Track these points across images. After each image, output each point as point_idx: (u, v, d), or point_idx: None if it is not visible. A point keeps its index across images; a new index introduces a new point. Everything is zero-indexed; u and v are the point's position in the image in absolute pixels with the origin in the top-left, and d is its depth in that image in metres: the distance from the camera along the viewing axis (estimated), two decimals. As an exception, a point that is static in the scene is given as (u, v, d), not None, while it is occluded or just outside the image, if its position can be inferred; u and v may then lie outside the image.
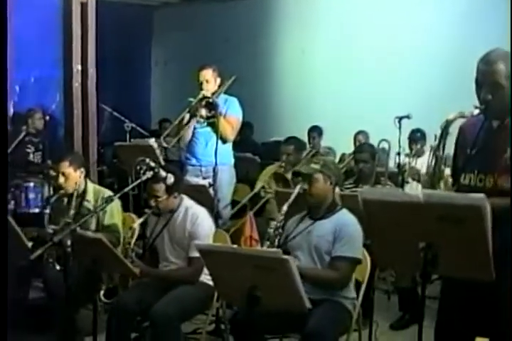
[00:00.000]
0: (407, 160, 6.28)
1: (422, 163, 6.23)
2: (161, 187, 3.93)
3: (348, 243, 3.54)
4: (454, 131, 2.74)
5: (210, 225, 4.09)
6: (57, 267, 4.20)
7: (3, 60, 3.47)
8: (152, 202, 3.97)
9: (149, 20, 9.95)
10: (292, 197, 3.76)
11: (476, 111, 2.67)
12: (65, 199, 4.51)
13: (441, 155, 2.64)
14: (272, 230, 3.69)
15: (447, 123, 2.64)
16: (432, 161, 2.66)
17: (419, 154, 6.40)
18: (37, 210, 5.79)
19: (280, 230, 3.72)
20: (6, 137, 3.54)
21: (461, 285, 2.67)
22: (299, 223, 3.74)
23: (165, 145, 5.36)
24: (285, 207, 3.75)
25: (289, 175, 5.25)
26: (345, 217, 3.66)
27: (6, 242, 3.12)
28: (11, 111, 7.19)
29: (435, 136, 2.67)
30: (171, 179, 3.87)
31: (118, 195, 3.81)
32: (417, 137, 6.53)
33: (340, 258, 3.54)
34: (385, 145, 5.80)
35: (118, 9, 8.71)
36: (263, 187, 5.55)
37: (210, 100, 5.13)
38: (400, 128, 6.15)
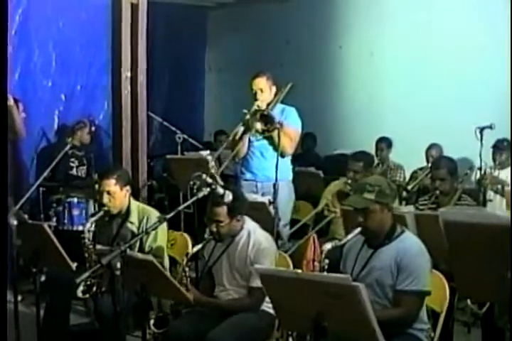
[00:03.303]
0: (488, 170, 6.16)
1: (506, 176, 6.14)
2: (222, 211, 3.88)
3: (412, 273, 3.43)
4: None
5: (274, 252, 4.07)
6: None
7: (4, 59, 3.62)
8: (213, 228, 3.91)
9: (203, 22, 10.01)
10: (345, 239, 3.61)
11: None
12: (107, 218, 4.51)
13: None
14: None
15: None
16: None
17: (503, 166, 6.29)
18: (81, 228, 5.84)
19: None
20: (6, 139, 3.71)
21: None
22: (358, 254, 3.64)
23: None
24: (329, 246, 3.56)
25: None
26: (407, 243, 3.53)
27: (6, 244, 3.25)
28: (55, 121, 7.30)
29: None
30: (229, 196, 3.82)
31: (171, 214, 3.79)
32: (502, 146, 6.39)
33: (404, 292, 3.44)
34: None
35: (170, 10, 8.80)
36: (326, 206, 5.49)
37: (265, 113, 5.10)
38: (481, 140, 6.00)
